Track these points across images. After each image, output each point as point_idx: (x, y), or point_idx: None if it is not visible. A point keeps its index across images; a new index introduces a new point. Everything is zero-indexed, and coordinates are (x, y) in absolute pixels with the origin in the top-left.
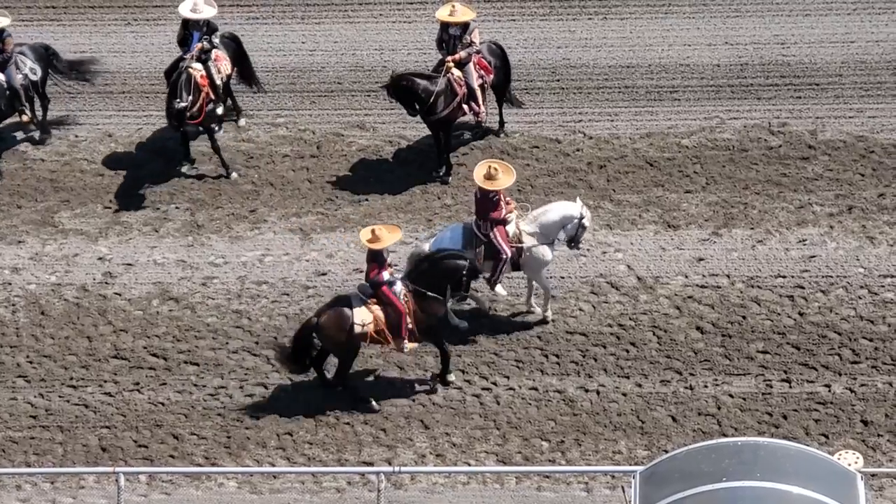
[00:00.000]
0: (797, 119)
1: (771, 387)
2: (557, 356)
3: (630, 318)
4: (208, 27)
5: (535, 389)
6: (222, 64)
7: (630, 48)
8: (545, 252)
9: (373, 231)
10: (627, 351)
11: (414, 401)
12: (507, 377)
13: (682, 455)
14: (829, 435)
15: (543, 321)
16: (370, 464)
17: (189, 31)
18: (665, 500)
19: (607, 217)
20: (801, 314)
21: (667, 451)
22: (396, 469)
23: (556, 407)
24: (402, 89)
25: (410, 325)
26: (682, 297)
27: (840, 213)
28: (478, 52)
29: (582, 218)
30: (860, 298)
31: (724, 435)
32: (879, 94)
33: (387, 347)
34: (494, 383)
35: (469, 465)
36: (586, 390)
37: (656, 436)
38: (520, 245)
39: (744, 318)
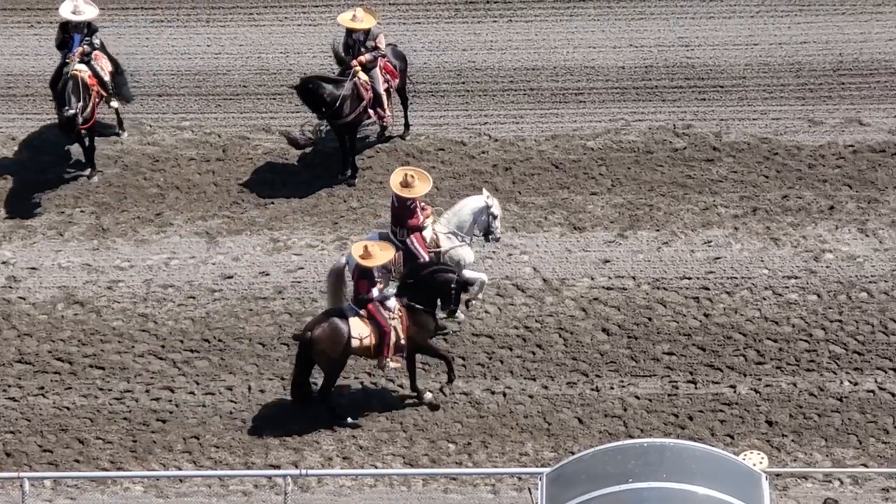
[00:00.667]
0: (702, 121)
1: (677, 388)
2: (464, 358)
3: (536, 321)
4: (89, 28)
5: (442, 392)
6: (103, 62)
7: (535, 51)
8: (464, 253)
9: (365, 247)
10: (534, 353)
11: (321, 404)
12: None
13: (589, 456)
14: (734, 435)
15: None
16: (277, 467)
17: (69, 33)
18: (572, 501)
19: (513, 219)
20: (706, 315)
21: (573, 453)
22: (303, 472)
23: (462, 409)
24: (309, 92)
25: (403, 341)
26: (587, 298)
27: (745, 215)
28: (383, 56)
29: (489, 207)
30: (765, 300)
31: (631, 436)
32: (783, 97)
33: (372, 361)
34: (401, 386)
35: (376, 467)
36: (493, 392)
37: (563, 437)
38: (438, 249)
39: (649, 319)
